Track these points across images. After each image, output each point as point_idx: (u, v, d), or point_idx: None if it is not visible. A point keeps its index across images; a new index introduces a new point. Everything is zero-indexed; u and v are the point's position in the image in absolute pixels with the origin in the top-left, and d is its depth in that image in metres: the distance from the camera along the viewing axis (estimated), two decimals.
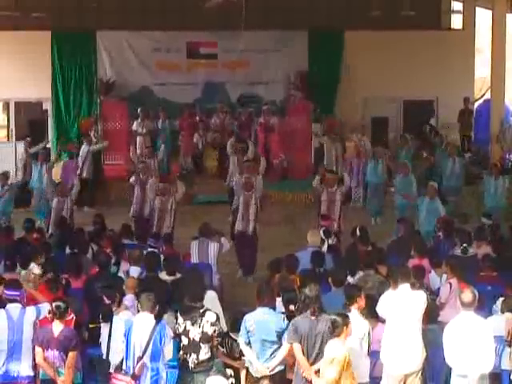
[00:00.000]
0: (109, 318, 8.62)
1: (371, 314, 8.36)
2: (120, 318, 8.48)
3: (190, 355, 8.13)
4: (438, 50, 22.56)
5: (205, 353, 8.14)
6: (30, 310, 8.23)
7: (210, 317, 8.17)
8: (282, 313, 8.45)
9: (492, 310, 9.12)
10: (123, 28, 22.54)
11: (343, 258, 11.50)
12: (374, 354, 8.12)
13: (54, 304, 7.99)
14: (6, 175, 16.04)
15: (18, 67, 21.97)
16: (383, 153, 18.09)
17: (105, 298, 8.79)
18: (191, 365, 8.13)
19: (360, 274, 9.91)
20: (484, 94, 25.88)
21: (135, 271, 10.35)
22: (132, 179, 15.28)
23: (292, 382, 7.94)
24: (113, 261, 10.91)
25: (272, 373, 7.98)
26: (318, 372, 7.58)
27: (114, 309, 8.70)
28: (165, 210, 13.69)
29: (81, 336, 8.59)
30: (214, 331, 8.16)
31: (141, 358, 7.86)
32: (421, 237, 12.37)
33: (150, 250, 11.39)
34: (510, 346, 8.47)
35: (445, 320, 8.37)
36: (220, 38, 22.59)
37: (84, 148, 19.03)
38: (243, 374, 8.24)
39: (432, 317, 8.66)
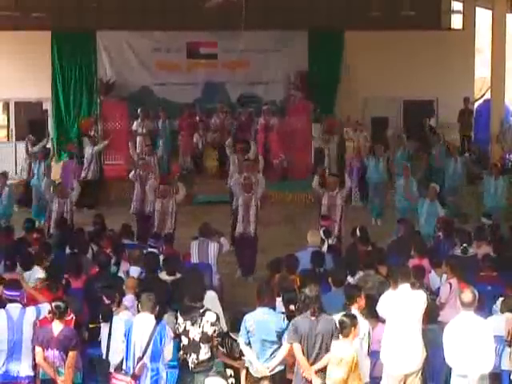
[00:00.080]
0: (108, 318, 8.62)
1: (371, 314, 8.36)
2: (120, 318, 8.47)
3: (190, 355, 8.13)
4: (437, 50, 22.56)
5: (205, 353, 8.14)
6: (30, 310, 8.23)
7: (209, 317, 8.17)
8: (282, 313, 8.45)
9: (492, 310, 9.12)
10: (123, 28, 22.55)
11: (343, 258, 11.50)
12: (374, 354, 8.12)
13: (53, 304, 7.99)
14: (4, 175, 16.04)
15: (18, 67, 21.98)
16: (383, 151, 18.08)
17: (105, 298, 8.79)
18: (191, 365, 8.13)
19: (360, 274, 9.91)
20: (484, 94, 25.89)
21: (135, 271, 10.35)
22: (131, 174, 15.33)
23: (292, 382, 7.94)
24: (113, 261, 10.92)
25: (272, 373, 7.97)
26: (318, 372, 7.60)
27: (113, 309, 8.69)
28: (165, 212, 13.66)
29: (81, 336, 8.59)
30: (214, 331, 8.16)
31: (141, 358, 7.86)
32: (421, 237, 12.37)
33: (149, 250, 11.39)
34: (510, 346, 8.47)
35: (445, 320, 8.37)
36: (220, 38, 22.59)
37: (88, 149, 19.07)
38: (243, 374, 8.24)
39: (432, 317, 8.66)
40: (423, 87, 22.52)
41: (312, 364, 7.64)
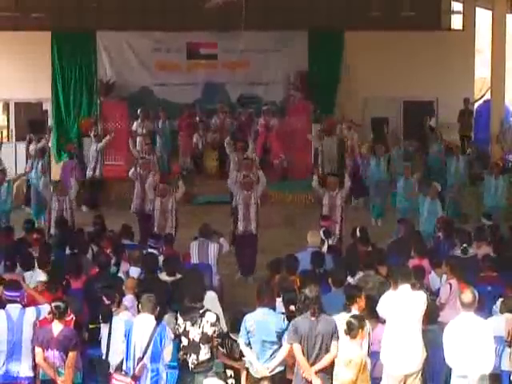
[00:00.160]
0: (108, 319, 8.62)
1: (371, 314, 8.36)
2: (120, 319, 8.47)
3: (190, 356, 8.13)
4: (437, 50, 22.54)
5: (205, 353, 8.14)
6: (30, 311, 8.24)
7: (209, 317, 8.17)
8: (282, 313, 8.45)
9: (492, 311, 9.12)
10: (123, 28, 22.51)
11: (343, 258, 11.50)
12: (374, 355, 8.12)
13: (53, 304, 8.00)
14: (3, 171, 16.04)
15: (17, 67, 21.96)
16: (383, 151, 18.08)
17: (104, 299, 8.79)
18: (191, 365, 8.14)
19: (360, 274, 9.91)
20: (484, 95, 25.85)
21: (135, 272, 10.36)
22: (131, 172, 15.34)
23: (292, 383, 7.94)
24: (113, 261, 10.92)
25: (272, 373, 7.98)
26: (317, 372, 7.60)
27: (113, 309, 8.70)
28: (165, 211, 13.68)
29: (81, 336, 8.59)
30: (214, 332, 8.17)
31: (141, 358, 7.86)
32: (421, 237, 12.36)
33: (149, 251, 11.39)
34: (509, 347, 8.47)
35: (445, 320, 8.36)
36: (220, 38, 22.56)
37: (93, 146, 19.08)
38: (243, 374, 8.24)
39: (432, 317, 8.65)
40: (423, 87, 22.51)
41: (312, 364, 7.63)
